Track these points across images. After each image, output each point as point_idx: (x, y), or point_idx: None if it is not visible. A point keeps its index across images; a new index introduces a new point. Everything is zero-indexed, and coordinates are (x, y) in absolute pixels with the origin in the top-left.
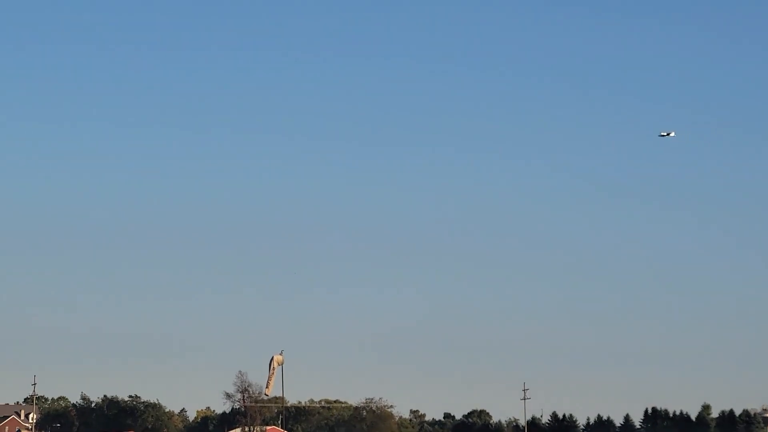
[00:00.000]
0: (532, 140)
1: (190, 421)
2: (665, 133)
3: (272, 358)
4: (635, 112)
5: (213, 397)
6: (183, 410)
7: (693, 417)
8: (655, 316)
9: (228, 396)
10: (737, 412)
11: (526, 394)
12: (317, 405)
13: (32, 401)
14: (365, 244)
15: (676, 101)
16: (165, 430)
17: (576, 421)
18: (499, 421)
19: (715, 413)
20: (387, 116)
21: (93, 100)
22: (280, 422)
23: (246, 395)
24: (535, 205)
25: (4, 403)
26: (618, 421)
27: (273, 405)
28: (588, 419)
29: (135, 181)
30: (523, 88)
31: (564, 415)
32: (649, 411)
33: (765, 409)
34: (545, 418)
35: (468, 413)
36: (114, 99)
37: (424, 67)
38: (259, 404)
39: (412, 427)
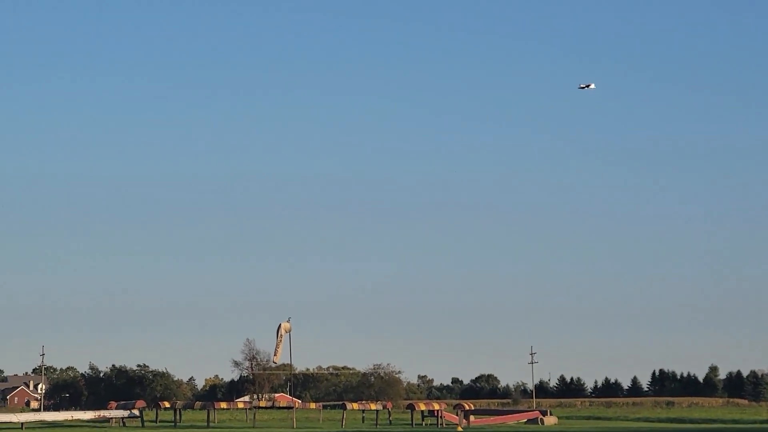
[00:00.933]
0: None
1: (199, 389)
2: (584, 85)
3: (279, 326)
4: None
5: (221, 366)
6: (191, 379)
7: (700, 379)
8: (663, 278)
9: (236, 364)
10: (744, 373)
11: (534, 358)
12: (325, 372)
13: (41, 372)
14: (371, 211)
15: (595, 52)
16: (173, 398)
17: (584, 384)
18: (507, 386)
19: (722, 375)
20: (362, 83)
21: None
22: (288, 389)
23: (254, 363)
24: (527, 168)
25: (13, 374)
26: (626, 383)
27: (281, 372)
28: (596, 382)
29: (139, 152)
30: (442, 42)
31: (572, 379)
32: (657, 373)
33: None
34: (553, 382)
35: (476, 378)
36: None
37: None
38: (267, 372)
39: (421, 392)
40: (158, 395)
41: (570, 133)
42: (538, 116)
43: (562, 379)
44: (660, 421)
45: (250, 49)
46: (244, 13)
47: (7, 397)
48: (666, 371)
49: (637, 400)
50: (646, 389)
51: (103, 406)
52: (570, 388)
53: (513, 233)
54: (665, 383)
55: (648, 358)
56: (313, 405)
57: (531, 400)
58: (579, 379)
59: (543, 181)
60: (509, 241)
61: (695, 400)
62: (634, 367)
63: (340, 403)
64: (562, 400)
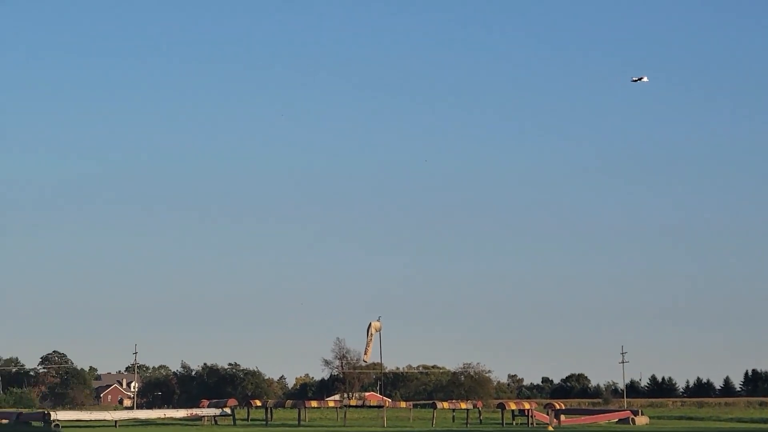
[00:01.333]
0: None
1: (290, 388)
2: (637, 78)
3: (370, 325)
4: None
5: (312, 364)
6: (282, 377)
7: None
8: (755, 276)
9: (326, 363)
10: None
11: (625, 357)
12: (415, 371)
13: (134, 370)
14: (463, 210)
15: (648, 45)
16: (265, 397)
17: (675, 384)
18: (598, 385)
19: None
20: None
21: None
22: (378, 388)
23: (344, 362)
24: (617, 166)
25: (106, 372)
26: (718, 383)
27: (371, 371)
28: (687, 382)
29: (230, 148)
30: (482, 36)
31: (663, 378)
32: (750, 373)
33: None
34: (644, 382)
35: (566, 377)
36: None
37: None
38: (357, 370)
39: (511, 391)
40: (249, 394)
41: (638, 128)
42: (607, 111)
43: (653, 378)
44: (753, 421)
45: (301, 37)
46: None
47: (101, 395)
48: (759, 371)
49: (730, 400)
50: (739, 389)
51: (195, 405)
52: (661, 388)
53: (604, 232)
54: (758, 383)
55: (741, 358)
56: (403, 404)
57: (622, 399)
58: (670, 379)
59: (630, 179)
60: (601, 239)
61: None
62: (726, 367)
63: (431, 402)
64: (653, 400)
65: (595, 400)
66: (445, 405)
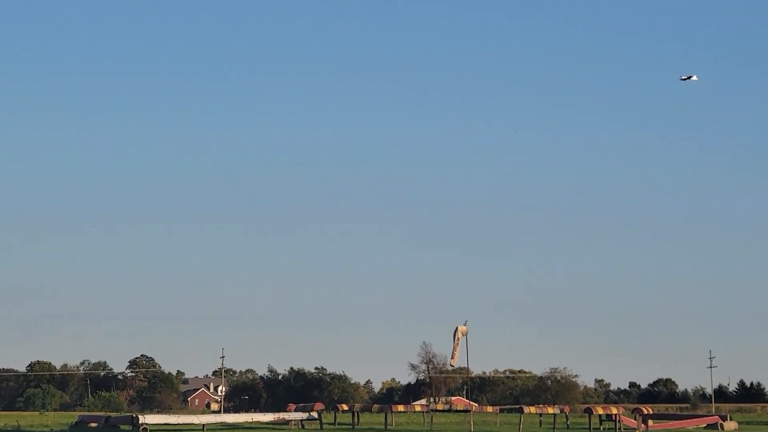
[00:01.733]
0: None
1: (376, 392)
2: (686, 77)
3: (456, 329)
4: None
5: (398, 369)
6: (368, 381)
7: None
8: None
9: (413, 367)
10: None
11: (713, 362)
12: (502, 375)
13: (221, 374)
14: (547, 213)
15: (697, 43)
16: (351, 401)
17: (764, 389)
18: (686, 390)
19: None
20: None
21: None
22: (465, 392)
23: (430, 366)
24: (711, 170)
25: (194, 376)
26: None
27: (458, 375)
28: None
29: (323, 151)
30: (530, 29)
31: (752, 383)
32: None
33: None
34: (732, 387)
35: (653, 382)
36: None
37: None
38: (443, 375)
39: (597, 396)
40: (336, 398)
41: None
42: None
43: (741, 383)
44: None
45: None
46: None
47: (188, 398)
48: None
49: None
50: None
51: (282, 409)
52: (750, 393)
53: (693, 236)
54: None
55: None
56: (489, 408)
57: (710, 404)
58: (759, 384)
59: (720, 183)
60: (688, 243)
61: None
62: None
63: (517, 406)
64: (742, 405)
65: (683, 405)
66: (532, 410)
